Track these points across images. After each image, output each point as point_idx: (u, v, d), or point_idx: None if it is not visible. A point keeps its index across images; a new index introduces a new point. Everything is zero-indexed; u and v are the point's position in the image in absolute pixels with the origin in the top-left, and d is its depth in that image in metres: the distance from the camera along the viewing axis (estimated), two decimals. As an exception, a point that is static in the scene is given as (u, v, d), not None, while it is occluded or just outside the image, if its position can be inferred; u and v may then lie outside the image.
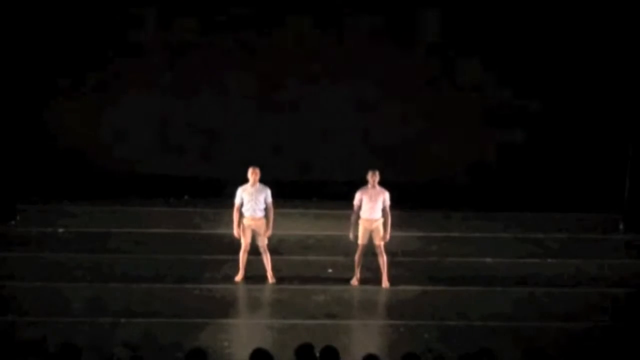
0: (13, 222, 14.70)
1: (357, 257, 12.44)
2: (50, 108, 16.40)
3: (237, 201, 12.27)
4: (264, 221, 12.28)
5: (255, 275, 12.49)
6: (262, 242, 12.36)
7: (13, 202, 14.84)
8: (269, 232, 12.37)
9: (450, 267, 13.28)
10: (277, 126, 16.58)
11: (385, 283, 12.47)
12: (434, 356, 9.59)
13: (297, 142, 16.58)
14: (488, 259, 13.65)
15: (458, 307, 11.86)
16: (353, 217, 12.31)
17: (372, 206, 12.21)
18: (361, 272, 12.49)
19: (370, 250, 12.45)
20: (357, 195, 12.25)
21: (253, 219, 12.25)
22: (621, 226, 15.21)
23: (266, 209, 12.27)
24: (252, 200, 12.19)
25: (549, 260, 13.72)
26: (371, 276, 12.60)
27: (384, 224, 12.31)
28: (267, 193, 12.28)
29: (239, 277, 12.49)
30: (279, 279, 12.47)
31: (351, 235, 12.39)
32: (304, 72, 16.43)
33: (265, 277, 12.44)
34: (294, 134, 16.60)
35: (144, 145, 16.57)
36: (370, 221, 12.26)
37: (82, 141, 16.49)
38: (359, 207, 12.24)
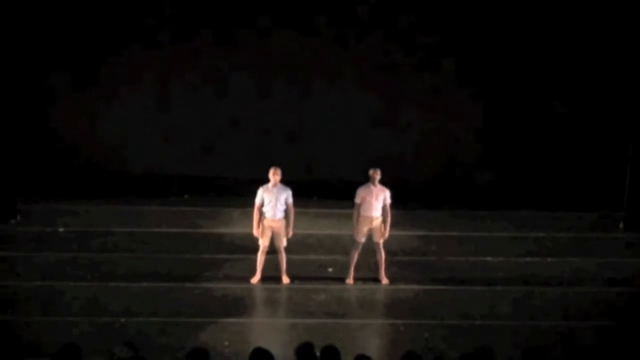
0: (13, 221, 14.69)
1: (353, 254, 12.44)
2: (50, 107, 16.39)
3: (257, 201, 12.15)
4: (283, 222, 12.19)
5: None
6: (281, 243, 12.27)
7: (13, 201, 14.83)
8: (290, 234, 12.30)
9: (450, 267, 13.28)
10: (278, 126, 16.59)
11: (384, 280, 12.48)
12: (434, 355, 9.60)
13: (297, 142, 16.57)
14: (488, 258, 13.65)
15: (458, 306, 11.87)
16: (355, 215, 12.32)
17: (373, 204, 12.21)
18: (356, 271, 12.49)
19: (365, 248, 12.46)
20: (359, 193, 12.26)
21: (273, 220, 12.15)
22: (621, 225, 15.21)
23: (286, 210, 12.20)
24: (273, 201, 12.09)
25: (549, 259, 13.72)
26: (372, 275, 12.60)
27: (384, 222, 12.32)
28: (289, 194, 12.16)
29: (255, 279, 12.39)
30: (279, 278, 12.45)
31: (355, 234, 12.39)
32: (303, 72, 16.45)
33: (277, 278, 12.42)
34: (294, 134, 16.59)
35: (144, 144, 16.56)
36: (371, 219, 12.26)
37: (83, 140, 16.51)
38: (360, 205, 12.25)
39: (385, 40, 16.44)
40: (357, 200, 12.26)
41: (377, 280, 12.51)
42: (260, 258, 12.32)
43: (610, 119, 16.35)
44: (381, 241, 12.36)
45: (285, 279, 12.43)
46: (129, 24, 16.15)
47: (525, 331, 10.99)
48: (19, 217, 14.80)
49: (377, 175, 12.22)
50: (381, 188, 12.28)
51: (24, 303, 11.60)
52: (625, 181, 15.07)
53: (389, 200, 12.31)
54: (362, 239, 12.35)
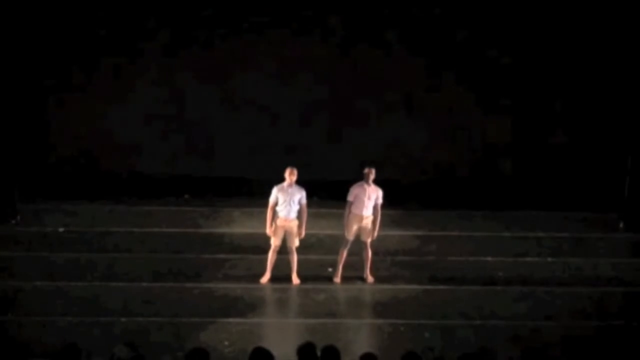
0: (14, 222, 14.68)
1: (341, 253, 12.43)
2: (50, 107, 16.39)
3: (272, 200, 12.12)
4: (297, 222, 12.16)
5: (256, 274, 12.48)
6: (293, 244, 12.26)
7: (13, 202, 14.82)
8: (303, 234, 12.29)
9: (450, 266, 13.28)
10: (278, 125, 16.58)
11: (369, 278, 12.48)
12: (434, 355, 9.61)
13: (298, 142, 16.56)
14: (488, 258, 13.65)
15: (458, 306, 11.87)
16: (346, 213, 12.30)
17: (365, 202, 12.20)
18: (352, 270, 12.48)
19: (359, 248, 12.46)
20: (352, 191, 12.24)
21: (287, 219, 12.13)
22: (621, 225, 15.20)
23: (299, 210, 12.18)
24: (287, 201, 12.06)
25: (549, 259, 13.72)
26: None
27: (374, 222, 12.30)
28: (303, 194, 12.14)
29: (265, 279, 12.35)
30: (279, 278, 12.43)
31: (345, 232, 12.37)
32: (303, 72, 16.46)
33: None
34: (294, 134, 16.59)
35: (144, 145, 16.55)
36: (361, 217, 12.25)
37: (83, 140, 16.49)
38: (352, 203, 12.23)
39: (386, 42, 16.44)
40: (350, 198, 12.24)
41: (377, 280, 12.51)
42: (272, 257, 12.29)
43: (610, 119, 16.35)
44: (369, 240, 12.36)
45: (296, 280, 12.40)
46: (129, 24, 16.14)
47: (525, 331, 10.99)
48: (19, 217, 14.79)
49: (372, 174, 12.20)
50: (375, 187, 12.26)
51: (24, 303, 11.59)
52: (626, 181, 15.07)
53: (380, 200, 12.29)
54: (352, 237, 12.34)
